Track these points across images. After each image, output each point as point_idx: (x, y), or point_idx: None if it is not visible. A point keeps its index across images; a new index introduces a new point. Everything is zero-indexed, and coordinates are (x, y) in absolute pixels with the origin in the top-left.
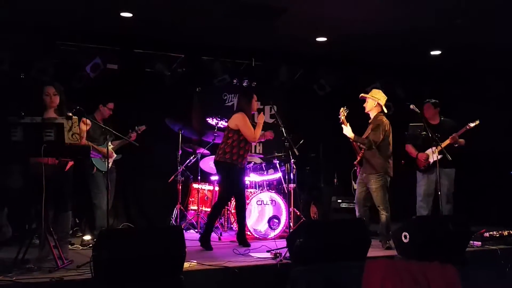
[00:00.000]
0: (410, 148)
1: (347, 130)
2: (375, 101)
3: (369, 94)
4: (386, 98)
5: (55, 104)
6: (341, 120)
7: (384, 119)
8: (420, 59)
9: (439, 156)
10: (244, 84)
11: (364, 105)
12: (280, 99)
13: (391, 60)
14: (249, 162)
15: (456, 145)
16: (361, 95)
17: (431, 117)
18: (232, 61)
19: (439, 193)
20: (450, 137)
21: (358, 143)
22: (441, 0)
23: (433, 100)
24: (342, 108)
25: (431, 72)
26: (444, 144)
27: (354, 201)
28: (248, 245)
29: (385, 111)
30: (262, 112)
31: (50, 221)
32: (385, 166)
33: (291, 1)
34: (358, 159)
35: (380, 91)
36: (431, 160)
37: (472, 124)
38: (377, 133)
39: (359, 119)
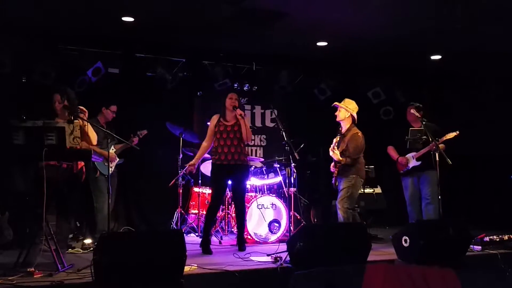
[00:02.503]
0: (391, 151)
1: (337, 155)
2: (348, 112)
3: (342, 103)
4: (358, 108)
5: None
6: (332, 147)
7: (359, 133)
8: (420, 64)
9: (418, 163)
10: (245, 89)
11: (336, 113)
12: (281, 103)
13: (392, 64)
14: (250, 166)
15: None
16: (334, 103)
17: (413, 120)
18: (233, 66)
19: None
20: (429, 146)
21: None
22: (441, 5)
23: (417, 104)
24: (336, 138)
25: (431, 76)
26: (424, 151)
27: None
28: (243, 249)
29: (356, 121)
30: (237, 110)
31: (55, 225)
32: (357, 170)
33: (292, 6)
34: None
35: (353, 101)
36: (410, 165)
37: (451, 135)
38: (357, 151)
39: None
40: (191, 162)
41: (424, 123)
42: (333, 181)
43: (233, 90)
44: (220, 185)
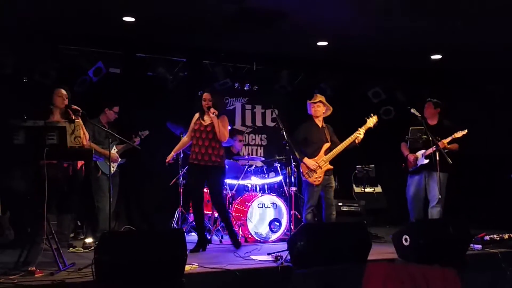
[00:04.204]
0: (403, 147)
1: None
2: (326, 106)
3: (318, 98)
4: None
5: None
6: (373, 127)
7: None
8: (421, 63)
9: (426, 161)
10: (245, 88)
11: (315, 109)
12: (281, 103)
13: (392, 64)
14: (251, 165)
15: (446, 150)
16: (317, 99)
17: (430, 116)
18: (233, 65)
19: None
20: (435, 144)
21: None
22: (441, 4)
23: (435, 100)
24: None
25: (432, 76)
26: (431, 150)
27: (310, 209)
28: (238, 247)
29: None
30: (211, 109)
31: (56, 224)
32: None
33: (292, 6)
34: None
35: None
36: (418, 163)
37: (459, 134)
38: None
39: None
40: (169, 156)
41: (441, 120)
42: (317, 182)
43: (233, 89)
44: (193, 184)
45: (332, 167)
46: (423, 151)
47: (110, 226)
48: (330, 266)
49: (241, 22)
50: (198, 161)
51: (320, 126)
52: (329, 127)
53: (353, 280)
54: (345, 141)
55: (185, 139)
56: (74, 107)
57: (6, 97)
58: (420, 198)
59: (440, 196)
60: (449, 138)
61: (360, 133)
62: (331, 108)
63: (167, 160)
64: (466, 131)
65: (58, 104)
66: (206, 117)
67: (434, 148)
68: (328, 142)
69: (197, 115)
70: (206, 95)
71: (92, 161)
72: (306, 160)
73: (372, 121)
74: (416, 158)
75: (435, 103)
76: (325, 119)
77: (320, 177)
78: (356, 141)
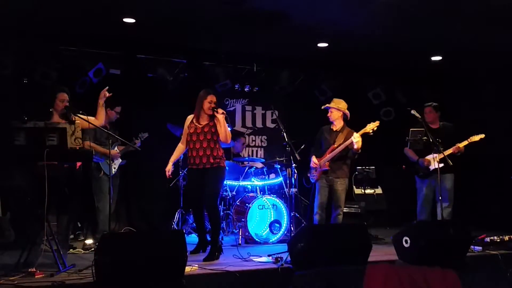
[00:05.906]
0: (410, 153)
1: (358, 143)
2: (340, 111)
3: (333, 104)
4: (347, 105)
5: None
6: (370, 133)
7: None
8: (421, 64)
9: (441, 164)
10: (245, 90)
11: (328, 115)
12: (282, 104)
13: (392, 65)
14: (251, 167)
15: (459, 154)
16: (325, 105)
17: (432, 121)
18: (233, 67)
19: (440, 198)
20: (453, 147)
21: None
22: (441, 5)
23: (435, 104)
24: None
25: (432, 77)
26: (447, 152)
27: (317, 209)
28: (211, 259)
29: (348, 118)
30: (220, 110)
31: (54, 225)
32: (349, 171)
33: (292, 7)
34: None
35: (342, 100)
36: (431, 167)
37: (476, 138)
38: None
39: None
40: (167, 168)
41: (442, 123)
42: (313, 179)
43: (233, 91)
44: (193, 189)
45: (328, 167)
46: (435, 155)
47: (110, 227)
48: (331, 268)
49: (241, 24)
50: (197, 165)
51: (334, 129)
52: (350, 132)
53: (353, 282)
54: (338, 144)
55: (180, 145)
56: (74, 110)
57: (6, 98)
58: (431, 200)
59: (449, 198)
60: (466, 142)
61: (354, 138)
62: (348, 113)
63: (167, 173)
64: (483, 135)
65: (59, 108)
66: (202, 119)
67: (450, 151)
68: (335, 144)
69: (189, 118)
70: (213, 97)
71: (93, 162)
72: (312, 158)
73: (370, 126)
74: (429, 162)
75: (435, 107)
76: (328, 121)
77: (318, 174)
78: (356, 147)
